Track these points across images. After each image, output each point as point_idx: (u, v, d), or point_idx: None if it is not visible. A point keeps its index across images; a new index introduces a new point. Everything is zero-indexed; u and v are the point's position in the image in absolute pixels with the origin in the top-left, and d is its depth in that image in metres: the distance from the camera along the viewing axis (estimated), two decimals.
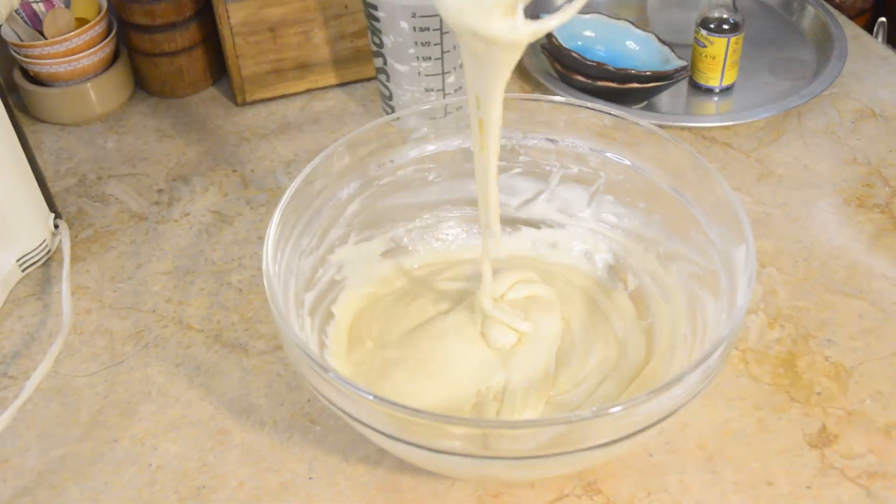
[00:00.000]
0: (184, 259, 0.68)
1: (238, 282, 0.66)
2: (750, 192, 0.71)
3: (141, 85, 0.85)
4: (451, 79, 0.73)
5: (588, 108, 0.59)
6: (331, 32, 0.81)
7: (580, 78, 0.78)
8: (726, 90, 0.81)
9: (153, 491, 0.53)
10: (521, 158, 0.61)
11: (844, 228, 0.68)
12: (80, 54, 0.78)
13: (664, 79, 0.78)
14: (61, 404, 0.58)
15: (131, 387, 0.59)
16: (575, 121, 0.59)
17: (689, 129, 0.77)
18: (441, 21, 0.69)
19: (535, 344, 0.55)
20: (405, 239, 0.63)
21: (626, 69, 0.77)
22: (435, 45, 0.70)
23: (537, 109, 0.60)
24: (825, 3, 0.89)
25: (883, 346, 0.59)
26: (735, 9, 0.77)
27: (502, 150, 0.61)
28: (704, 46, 0.78)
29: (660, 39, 0.82)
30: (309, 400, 0.57)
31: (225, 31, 0.78)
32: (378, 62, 0.74)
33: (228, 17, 0.77)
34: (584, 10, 0.85)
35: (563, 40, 0.80)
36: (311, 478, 0.53)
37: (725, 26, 0.77)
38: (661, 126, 0.58)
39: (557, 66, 0.80)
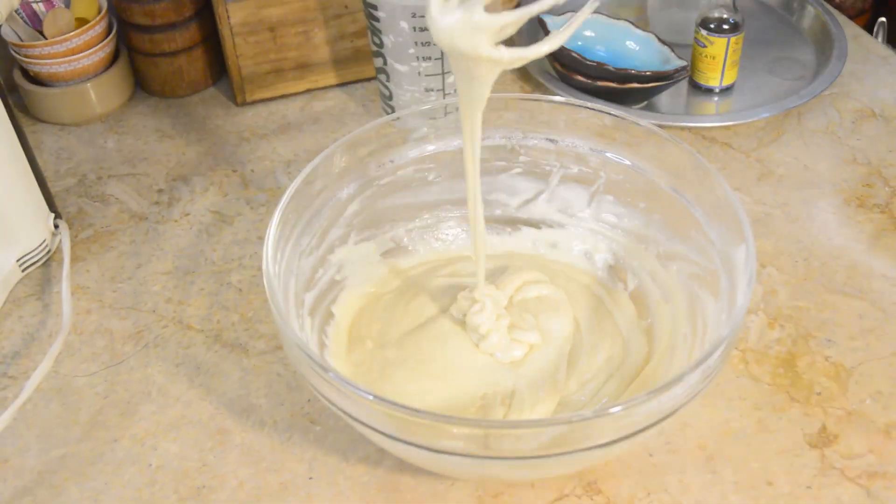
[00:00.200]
0: (184, 259, 0.68)
1: (238, 282, 0.66)
2: (750, 192, 0.71)
3: (141, 85, 0.85)
4: (451, 79, 0.73)
5: (588, 108, 0.59)
6: (331, 32, 0.81)
7: (580, 78, 0.78)
8: (726, 90, 0.81)
9: (153, 491, 0.53)
10: (521, 158, 0.61)
11: (844, 228, 0.68)
12: (80, 54, 0.78)
13: (664, 79, 0.78)
14: (61, 404, 0.58)
15: (131, 387, 0.59)
16: (575, 121, 0.59)
17: (689, 129, 0.77)
18: None
19: (546, 349, 0.55)
20: (405, 239, 0.63)
21: (626, 69, 0.77)
22: (435, 45, 0.70)
23: (537, 109, 0.60)
24: (825, 3, 0.89)
25: (883, 346, 0.59)
26: (735, 9, 0.77)
27: (502, 150, 0.61)
28: (704, 46, 0.78)
29: (660, 39, 0.82)
30: (309, 400, 0.57)
31: (225, 31, 0.78)
32: (378, 62, 0.74)
33: (228, 17, 0.77)
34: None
35: None
36: (311, 478, 0.53)
37: (725, 26, 0.77)
38: (661, 126, 0.58)
39: (557, 66, 0.80)
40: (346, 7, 0.79)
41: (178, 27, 0.80)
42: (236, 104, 0.83)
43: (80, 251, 0.69)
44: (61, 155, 0.78)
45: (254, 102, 0.83)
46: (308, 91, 0.83)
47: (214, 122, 0.81)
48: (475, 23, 0.42)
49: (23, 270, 0.66)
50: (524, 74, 0.83)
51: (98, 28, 0.78)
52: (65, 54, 0.77)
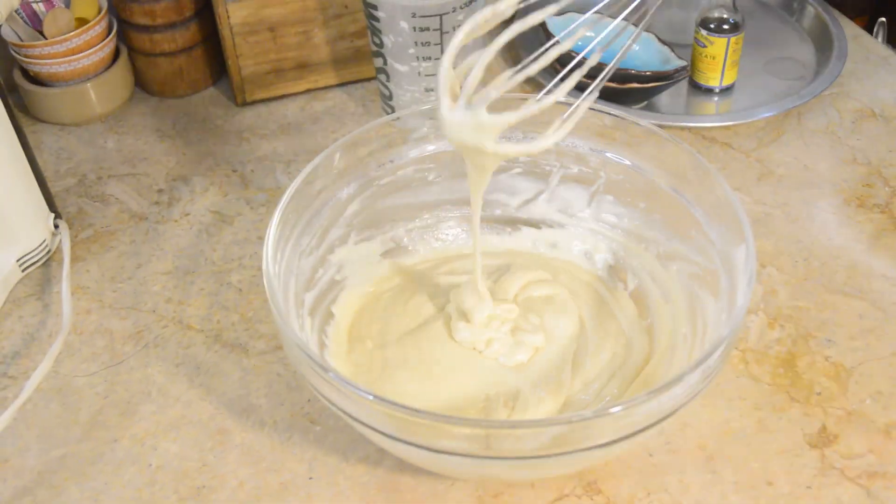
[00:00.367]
0: (184, 259, 0.68)
1: (238, 282, 0.66)
2: (750, 192, 0.71)
3: (141, 85, 0.85)
4: None
5: (588, 107, 0.58)
6: (331, 32, 0.81)
7: None
8: (726, 90, 0.81)
9: (153, 491, 0.53)
10: (522, 158, 0.61)
11: (844, 228, 0.67)
12: (80, 54, 0.78)
13: (664, 79, 0.78)
14: (61, 404, 0.58)
15: (131, 387, 0.59)
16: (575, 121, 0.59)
17: (689, 129, 0.77)
18: (441, 20, 0.69)
19: (550, 350, 0.55)
20: (405, 239, 0.63)
21: (625, 69, 0.77)
22: (435, 44, 0.70)
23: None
24: (825, 3, 0.89)
25: (883, 346, 0.59)
26: (735, 9, 0.77)
27: None
28: (704, 46, 0.78)
29: (660, 39, 0.82)
30: (309, 400, 0.57)
31: (225, 31, 0.78)
32: (378, 62, 0.74)
33: (228, 17, 0.77)
34: (584, 10, 0.85)
35: (563, 40, 0.80)
36: (311, 478, 0.53)
37: (725, 26, 0.77)
38: (661, 126, 0.58)
39: (557, 67, 0.80)
40: (346, 7, 0.79)
41: (179, 27, 0.80)
42: (236, 104, 0.83)
43: (80, 251, 0.69)
44: (61, 155, 0.78)
45: (254, 102, 0.83)
46: (308, 91, 0.83)
47: (214, 122, 0.81)
48: (480, 122, 0.46)
49: (23, 270, 0.66)
50: None
51: (98, 28, 0.78)
52: (65, 54, 0.77)
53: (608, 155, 0.59)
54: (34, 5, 0.78)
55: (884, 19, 0.95)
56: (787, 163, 0.74)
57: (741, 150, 0.75)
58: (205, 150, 0.78)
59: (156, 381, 0.59)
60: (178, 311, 0.64)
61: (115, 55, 0.82)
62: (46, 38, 0.78)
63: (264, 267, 0.50)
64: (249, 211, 0.72)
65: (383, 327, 0.58)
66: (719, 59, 0.78)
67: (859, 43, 0.87)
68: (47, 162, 0.77)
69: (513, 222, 0.63)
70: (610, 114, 0.58)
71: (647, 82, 0.77)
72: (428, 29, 0.69)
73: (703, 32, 0.77)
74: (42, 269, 0.67)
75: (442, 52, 0.71)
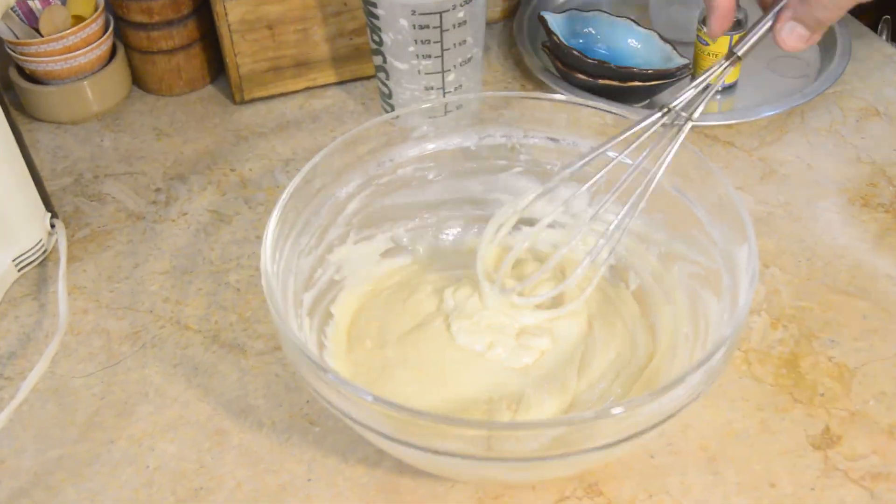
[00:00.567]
0: (181, 259, 0.67)
1: (236, 281, 0.65)
2: (752, 191, 0.71)
3: (138, 83, 0.85)
4: (450, 77, 0.72)
5: (589, 106, 0.58)
6: (330, 30, 0.80)
7: (581, 76, 0.78)
8: (729, 88, 0.81)
9: (150, 492, 0.52)
10: (522, 157, 0.61)
11: (848, 228, 0.67)
12: (77, 52, 0.77)
13: (666, 77, 0.77)
14: (58, 405, 0.57)
15: (128, 387, 0.58)
16: (576, 119, 0.59)
17: (692, 127, 0.76)
18: (441, 18, 0.68)
19: (557, 350, 0.55)
20: (405, 238, 0.63)
21: (627, 67, 0.76)
22: (435, 42, 0.70)
23: (538, 108, 0.59)
24: None
25: (887, 347, 0.58)
26: (738, 6, 0.76)
27: (503, 149, 0.61)
28: (707, 44, 0.77)
29: (662, 37, 0.81)
30: (308, 401, 0.57)
31: (223, 29, 0.78)
32: (377, 60, 0.73)
33: (226, 14, 0.77)
34: (586, 8, 0.85)
35: (565, 38, 0.79)
36: (309, 479, 0.53)
37: None
38: (663, 125, 0.58)
39: (558, 65, 0.80)
40: (345, 4, 0.79)
41: (176, 24, 0.80)
42: (234, 102, 0.82)
43: (76, 251, 0.68)
44: (58, 153, 0.78)
45: (252, 100, 0.82)
46: (307, 89, 0.83)
47: (212, 120, 0.81)
48: (513, 303, 0.56)
49: (19, 270, 0.66)
50: (525, 72, 0.83)
51: (95, 25, 0.78)
52: (61, 52, 0.77)
53: (609, 154, 0.59)
54: (30, 3, 0.78)
55: (888, 17, 0.95)
56: (791, 162, 0.73)
57: (744, 148, 0.75)
58: (202, 149, 0.78)
59: (153, 381, 0.59)
60: (176, 312, 0.63)
61: (112, 53, 0.82)
62: (42, 36, 0.77)
63: (263, 266, 0.50)
64: (248, 210, 0.71)
65: (383, 327, 0.57)
66: (721, 57, 0.77)
67: (863, 41, 0.86)
68: (43, 160, 0.77)
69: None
70: (611, 112, 0.57)
71: (649, 80, 0.77)
72: (428, 27, 0.69)
73: (706, 30, 0.77)
74: (38, 269, 0.67)
75: (442, 50, 0.70)
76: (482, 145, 0.61)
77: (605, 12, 0.84)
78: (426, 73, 0.72)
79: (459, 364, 0.55)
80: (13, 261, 0.65)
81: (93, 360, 0.60)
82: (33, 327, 0.63)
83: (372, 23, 0.71)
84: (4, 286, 0.65)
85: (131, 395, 0.58)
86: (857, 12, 0.99)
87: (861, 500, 0.50)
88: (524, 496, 0.51)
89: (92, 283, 0.66)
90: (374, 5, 0.69)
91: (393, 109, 0.76)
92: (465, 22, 0.69)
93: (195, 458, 0.54)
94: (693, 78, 0.81)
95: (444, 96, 0.73)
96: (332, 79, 0.83)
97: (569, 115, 0.59)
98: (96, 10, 0.79)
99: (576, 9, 0.84)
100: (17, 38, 0.77)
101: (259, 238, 0.68)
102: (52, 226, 0.67)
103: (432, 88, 0.73)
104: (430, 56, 0.71)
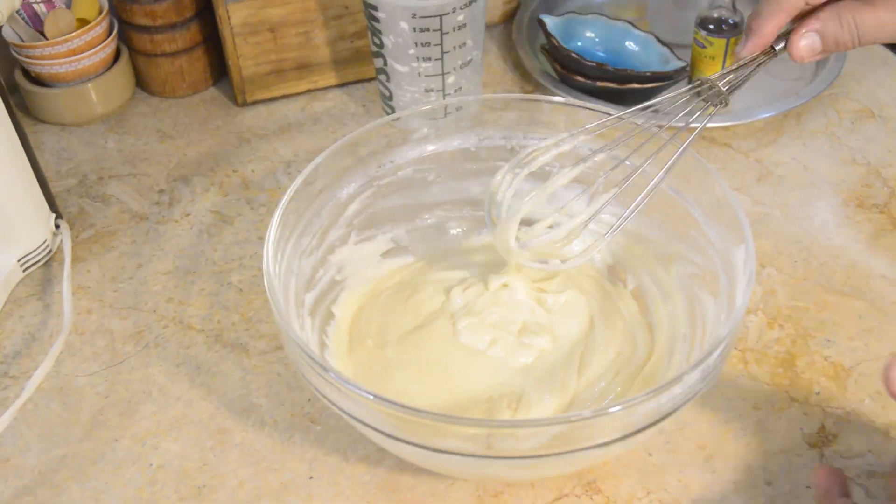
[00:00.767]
0: (184, 259, 0.68)
1: (239, 282, 0.66)
2: (749, 192, 0.71)
3: (142, 85, 0.85)
4: (451, 79, 0.73)
5: (588, 108, 0.59)
6: (331, 33, 0.81)
7: (580, 79, 0.78)
8: None
9: (154, 490, 0.53)
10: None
11: (843, 228, 0.68)
12: (81, 55, 0.78)
13: (664, 79, 0.78)
14: (62, 404, 0.58)
15: (132, 386, 0.59)
16: (575, 121, 0.59)
17: (689, 129, 0.77)
18: (441, 21, 0.69)
19: (557, 349, 0.55)
20: (406, 239, 0.63)
21: (625, 70, 0.77)
22: (435, 45, 0.70)
23: (537, 110, 0.60)
24: None
25: (882, 346, 0.59)
26: (734, 9, 0.77)
27: (502, 151, 0.61)
28: (704, 47, 0.78)
29: (659, 40, 0.82)
30: (309, 400, 0.57)
31: (225, 32, 0.78)
32: (378, 63, 0.74)
33: (229, 17, 0.77)
34: (585, 11, 0.85)
35: (563, 41, 0.80)
36: (311, 477, 0.53)
37: (725, 27, 0.77)
38: (660, 127, 0.58)
39: (557, 67, 0.81)
40: (346, 8, 0.79)
41: (179, 28, 0.80)
42: (237, 104, 0.83)
43: (80, 251, 0.69)
44: (62, 155, 0.79)
45: (254, 103, 0.83)
46: (308, 91, 0.83)
47: (215, 122, 0.81)
48: (521, 246, 0.56)
49: (24, 270, 0.66)
50: (524, 75, 0.83)
51: (99, 29, 0.78)
52: (66, 55, 0.77)
53: (607, 155, 0.59)
54: (35, 6, 0.78)
55: None
56: (787, 163, 0.74)
57: (740, 150, 0.75)
58: (205, 151, 0.78)
59: (156, 380, 0.59)
60: (179, 311, 0.64)
61: (116, 56, 0.82)
62: (47, 39, 0.78)
63: (265, 267, 0.50)
64: (250, 211, 0.72)
65: (384, 327, 0.58)
66: (718, 60, 0.78)
67: None
68: (48, 162, 0.77)
69: None
70: (610, 114, 0.58)
71: (647, 83, 0.77)
72: (428, 29, 0.69)
73: (703, 33, 0.77)
74: (43, 270, 0.67)
75: (442, 53, 0.71)
76: (482, 147, 0.61)
77: (604, 15, 0.84)
78: (426, 76, 0.72)
79: (460, 363, 0.55)
80: (18, 261, 0.65)
81: (97, 359, 0.61)
82: (38, 327, 0.63)
83: (373, 26, 0.71)
84: (9, 286, 0.65)
85: (135, 395, 0.58)
86: None
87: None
88: (523, 494, 0.52)
89: (96, 283, 0.66)
90: (375, 8, 0.70)
91: (393, 111, 0.76)
92: (464, 25, 0.70)
93: (198, 457, 0.54)
94: (690, 80, 0.82)
95: (444, 98, 0.73)
96: (334, 81, 0.84)
97: (567, 117, 0.59)
98: (100, 13, 0.79)
99: (574, 12, 0.85)
100: (23, 41, 0.78)
101: (261, 239, 0.69)
102: (57, 226, 0.68)
103: (432, 91, 0.73)
104: (430, 59, 0.71)
